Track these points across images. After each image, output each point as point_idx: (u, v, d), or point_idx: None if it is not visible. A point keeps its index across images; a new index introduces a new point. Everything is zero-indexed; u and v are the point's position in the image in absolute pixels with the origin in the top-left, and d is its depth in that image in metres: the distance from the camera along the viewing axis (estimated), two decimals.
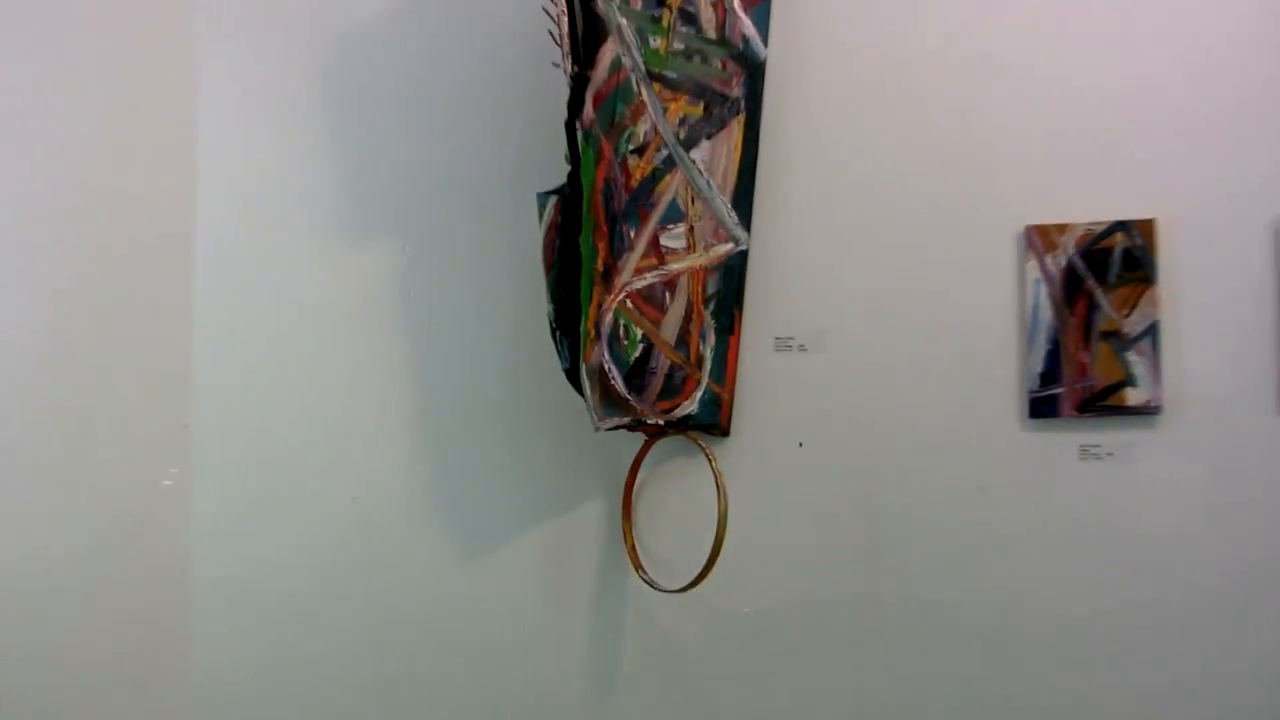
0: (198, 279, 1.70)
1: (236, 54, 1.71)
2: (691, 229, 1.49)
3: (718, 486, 1.49)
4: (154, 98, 1.68)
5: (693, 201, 1.49)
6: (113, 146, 1.61)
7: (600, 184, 1.49)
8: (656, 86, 1.49)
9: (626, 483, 1.54)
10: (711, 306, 1.50)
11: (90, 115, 1.59)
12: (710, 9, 1.49)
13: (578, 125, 1.49)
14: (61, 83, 1.56)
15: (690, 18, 1.49)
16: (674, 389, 1.50)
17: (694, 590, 1.49)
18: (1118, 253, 1.46)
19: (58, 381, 1.53)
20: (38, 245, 1.52)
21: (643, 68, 1.49)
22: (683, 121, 1.49)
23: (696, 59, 1.49)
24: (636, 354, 1.50)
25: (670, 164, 1.49)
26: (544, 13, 1.49)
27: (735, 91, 1.50)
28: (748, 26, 1.50)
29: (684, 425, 1.51)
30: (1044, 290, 1.47)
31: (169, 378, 1.67)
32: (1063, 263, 1.47)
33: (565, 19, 1.49)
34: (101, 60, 1.60)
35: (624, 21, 1.49)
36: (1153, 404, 1.44)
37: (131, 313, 1.62)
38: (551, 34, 1.49)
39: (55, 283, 1.53)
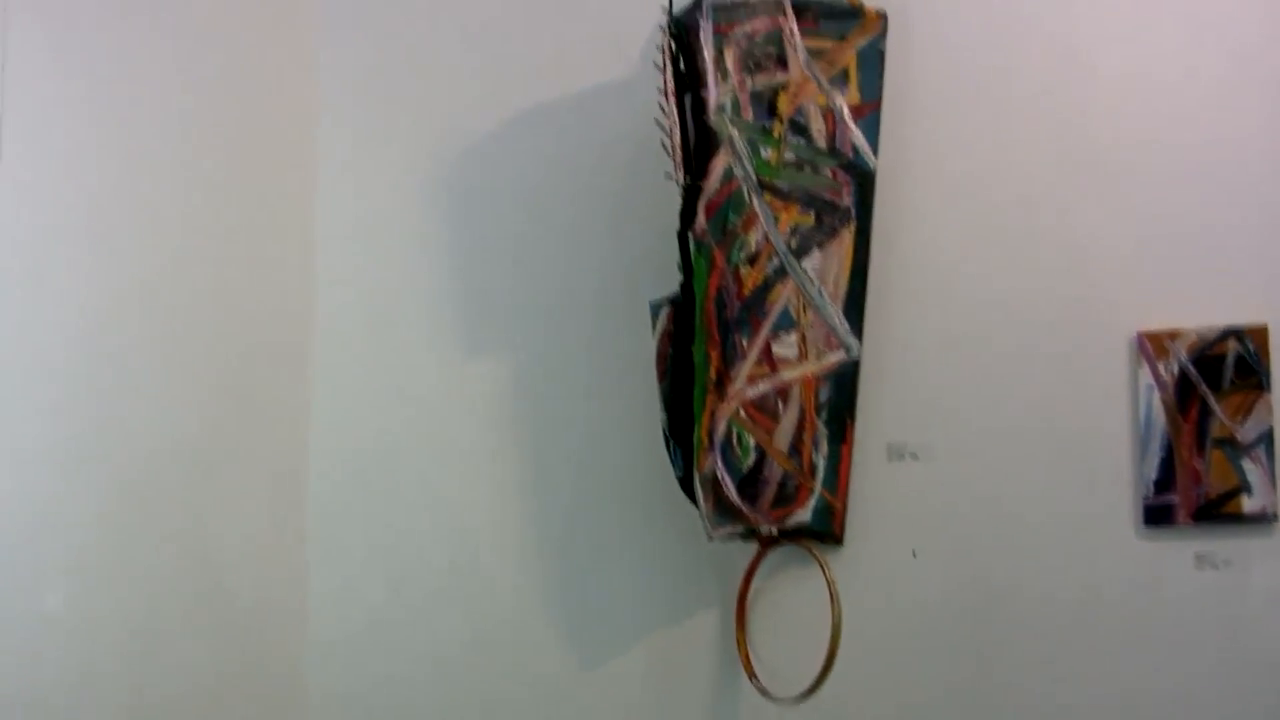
0: (315, 384, 1.70)
1: (356, 159, 1.73)
2: (803, 337, 1.50)
3: (831, 595, 1.48)
4: (275, 201, 1.70)
5: (804, 310, 1.50)
6: (233, 251, 1.64)
7: (713, 292, 1.50)
8: (768, 196, 1.50)
9: (740, 591, 1.54)
10: (824, 415, 1.50)
11: (211, 218, 1.61)
12: (820, 120, 1.51)
13: (690, 235, 1.50)
14: (184, 185, 1.58)
15: (801, 129, 1.51)
16: (787, 497, 1.50)
17: (808, 699, 1.47)
18: (1230, 359, 1.46)
19: (175, 487, 1.54)
20: (157, 348, 1.53)
21: (754, 178, 1.50)
22: (794, 231, 1.50)
23: (807, 169, 1.51)
24: (750, 462, 1.49)
25: (782, 273, 1.50)
26: (656, 125, 1.51)
27: (845, 201, 1.51)
28: (857, 136, 1.51)
29: (797, 534, 1.50)
30: (1156, 397, 1.47)
31: (285, 485, 1.66)
32: (1175, 369, 1.47)
33: (677, 131, 1.51)
34: (225, 164, 1.63)
35: (735, 133, 1.50)
36: (1268, 512, 1.43)
37: (248, 417, 1.63)
38: (664, 145, 1.51)
39: (174, 386, 1.54)
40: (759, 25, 1.51)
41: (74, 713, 1.41)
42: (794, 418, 1.50)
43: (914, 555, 1.52)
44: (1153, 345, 1.47)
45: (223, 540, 1.59)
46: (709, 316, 1.50)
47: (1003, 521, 1.50)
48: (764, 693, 1.51)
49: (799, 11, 1.51)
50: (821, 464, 1.50)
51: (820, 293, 1.50)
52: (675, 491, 1.52)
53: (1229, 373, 1.46)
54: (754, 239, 1.50)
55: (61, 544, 1.42)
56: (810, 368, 1.50)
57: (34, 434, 1.41)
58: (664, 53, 1.51)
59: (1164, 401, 1.47)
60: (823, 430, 1.50)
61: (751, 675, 1.52)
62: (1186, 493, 1.46)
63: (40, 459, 1.42)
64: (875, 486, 1.53)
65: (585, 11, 1.65)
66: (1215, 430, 1.46)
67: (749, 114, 1.51)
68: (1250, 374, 1.45)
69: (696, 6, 1.52)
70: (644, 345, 1.54)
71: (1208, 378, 1.46)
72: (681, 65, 1.51)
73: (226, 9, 1.66)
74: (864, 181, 1.51)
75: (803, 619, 1.52)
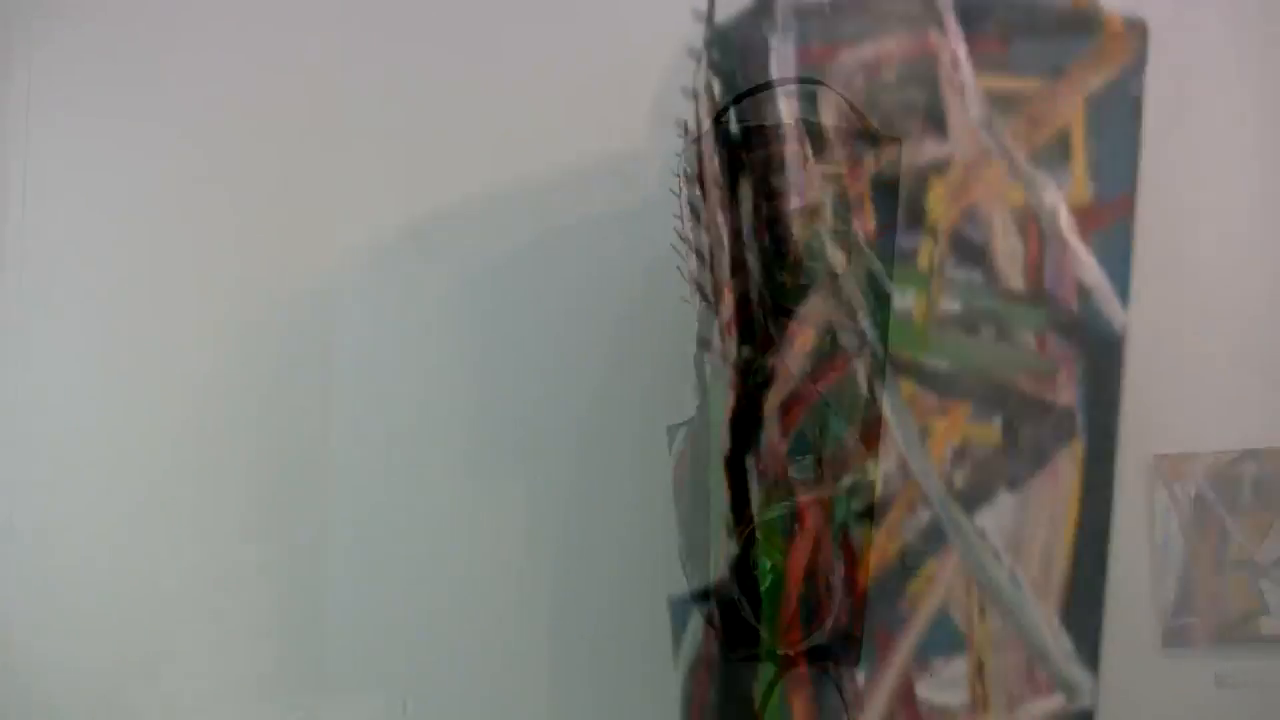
0: (331, 525, 1.71)
1: (368, 286, 1.74)
2: (819, 460, 1.51)
3: (849, 718, 1.49)
4: (291, 324, 1.71)
5: (820, 433, 1.51)
6: (248, 373, 1.66)
7: (729, 416, 1.51)
8: (783, 320, 1.51)
9: (757, 714, 1.54)
10: (840, 537, 1.51)
11: (230, 347, 1.64)
12: (835, 243, 1.52)
13: (706, 358, 1.51)
14: (210, 326, 1.62)
15: (816, 253, 1.52)
16: (804, 620, 1.50)
17: None
18: (1247, 481, 1.46)
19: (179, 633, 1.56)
20: (194, 472, 1.56)
21: (769, 303, 1.51)
22: (810, 354, 1.51)
23: (822, 292, 1.51)
24: (766, 585, 1.50)
25: (797, 396, 1.51)
26: (673, 250, 1.53)
27: (862, 324, 1.51)
28: (872, 260, 1.52)
29: (814, 655, 1.51)
30: (1174, 519, 1.48)
31: (301, 623, 1.68)
32: (1192, 491, 1.47)
33: (693, 256, 1.52)
34: (246, 300, 1.66)
35: (750, 257, 1.51)
36: None
37: (264, 549, 1.65)
38: (680, 270, 1.52)
39: (202, 520, 1.57)
40: (775, 151, 1.52)
41: None
42: (809, 540, 1.50)
43: (930, 674, 1.52)
44: (1170, 468, 1.48)
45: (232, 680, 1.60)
46: (725, 439, 1.51)
47: None
48: None
49: (814, 137, 1.52)
50: (838, 585, 1.51)
51: (836, 415, 1.51)
52: (693, 614, 1.53)
53: (1246, 494, 1.46)
54: (769, 362, 1.51)
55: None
56: (826, 490, 1.51)
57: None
58: (681, 178, 1.53)
59: (1181, 524, 1.47)
60: (838, 552, 1.51)
61: None
62: (1205, 614, 1.46)
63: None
64: (891, 606, 1.53)
65: (603, 135, 1.66)
66: (1233, 552, 1.46)
67: (764, 238, 1.52)
68: (1268, 495, 1.45)
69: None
70: (659, 471, 1.55)
71: (1225, 500, 1.46)
72: (698, 190, 1.53)
73: (247, 142, 1.70)
74: (880, 304, 1.52)
75: None
